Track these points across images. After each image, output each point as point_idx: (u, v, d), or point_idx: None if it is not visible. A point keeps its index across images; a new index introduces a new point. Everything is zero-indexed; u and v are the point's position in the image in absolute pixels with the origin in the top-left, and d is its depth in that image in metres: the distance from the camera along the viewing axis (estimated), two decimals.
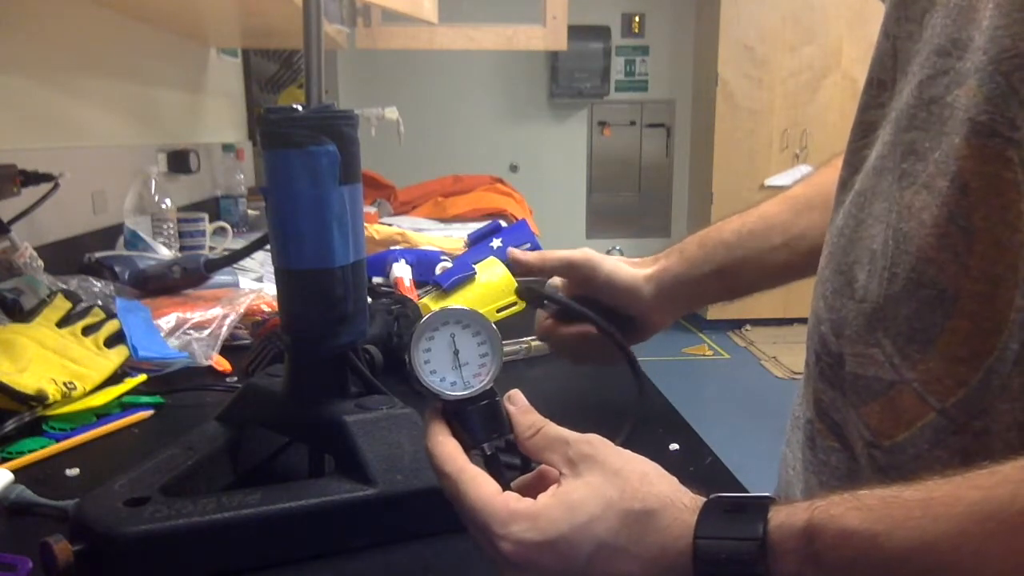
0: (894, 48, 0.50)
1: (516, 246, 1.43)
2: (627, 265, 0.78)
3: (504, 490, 0.43)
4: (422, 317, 0.50)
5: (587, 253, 0.78)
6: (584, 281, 0.77)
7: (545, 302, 0.77)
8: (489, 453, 0.46)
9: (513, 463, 0.47)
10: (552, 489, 0.42)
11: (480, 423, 0.46)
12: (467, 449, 0.45)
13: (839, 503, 0.36)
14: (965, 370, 0.43)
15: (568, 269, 0.78)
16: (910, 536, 0.33)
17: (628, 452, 0.43)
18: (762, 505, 0.38)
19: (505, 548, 0.40)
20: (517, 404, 0.46)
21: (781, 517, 0.37)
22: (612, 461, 0.42)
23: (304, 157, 0.55)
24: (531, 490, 0.43)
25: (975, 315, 0.42)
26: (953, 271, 0.43)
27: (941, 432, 0.44)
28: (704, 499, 0.40)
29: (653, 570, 0.39)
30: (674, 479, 0.42)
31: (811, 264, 0.71)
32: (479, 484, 0.42)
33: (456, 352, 0.47)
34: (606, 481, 0.41)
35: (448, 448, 0.45)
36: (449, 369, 0.47)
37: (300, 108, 0.57)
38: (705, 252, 0.75)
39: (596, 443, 0.43)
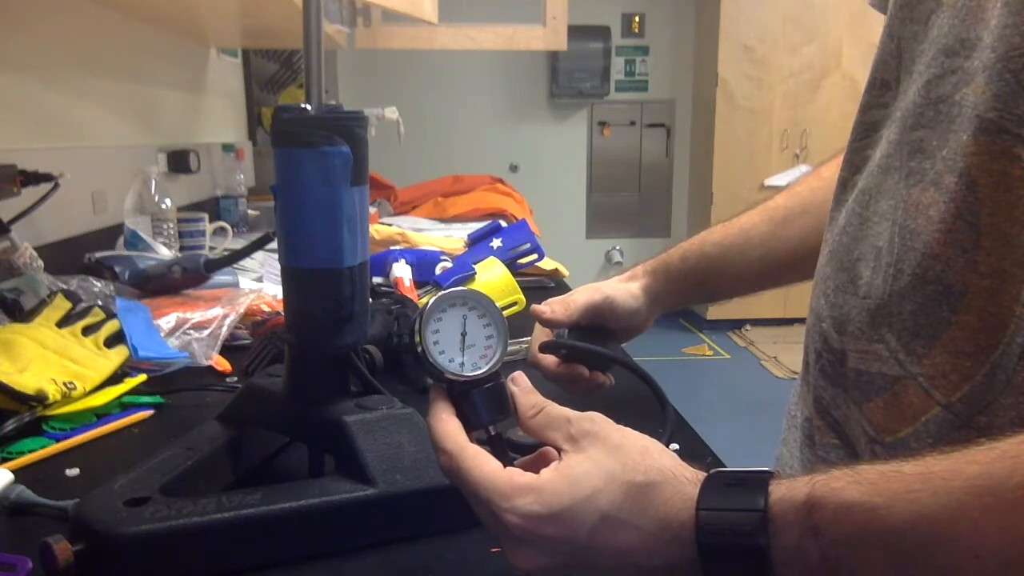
0: (898, 49, 0.50)
1: (516, 246, 1.43)
2: (624, 287, 0.82)
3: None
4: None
5: (603, 292, 0.81)
6: (602, 319, 0.81)
7: (563, 352, 0.79)
8: (493, 434, 0.46)
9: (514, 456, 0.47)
10: (554, 464, 0.42)
11: (485, 405, 0.46)
12: (471, 430, 0.46)
13: (839, 477, 0.36)
14: (971, 365, 0.43)
15: (593, 315, 0.80)
16: (909, 509, 0.33)
17: (628, 429, 0.43)
18: (762, 479, 0.38)
19: (510, 520, 0.40)
20: (520, 385, 0.47)
21: (782, 491, 0.37)
22: (613, 436, 0.42)
23: (318, 157, 0.55)
24: (532, 469, 0.43)
25: (981, 310, 0.42)
26: (960, 267, 0.43)
27: (945, 427, 0.44)
28: (705, 473, 0.40)
29: (655, 542, 0.39)
30: (675, 455, 0.42)
31: (784, 274, 0.78)
32: (481, 461, 0.43)
33: (464, 334, 0.47)
34: (608, 455, 0.41)
35: (450, 426, 0.45)
36: (457, 350, 0.47)
37: (309, 108, 0.57)
38: (687, 266, 0.82)
39: (598, 420, 0.43)
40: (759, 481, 0.38)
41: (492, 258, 1.29)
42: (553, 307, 0.80)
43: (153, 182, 1.57)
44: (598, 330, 0.81)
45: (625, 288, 0.82)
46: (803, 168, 4.46)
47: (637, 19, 4.92)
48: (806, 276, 0.77)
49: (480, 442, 0.45)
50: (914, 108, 0.47)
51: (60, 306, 0.90)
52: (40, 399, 0.74)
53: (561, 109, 5.03)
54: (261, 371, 0.76)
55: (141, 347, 0.90)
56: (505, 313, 1.04)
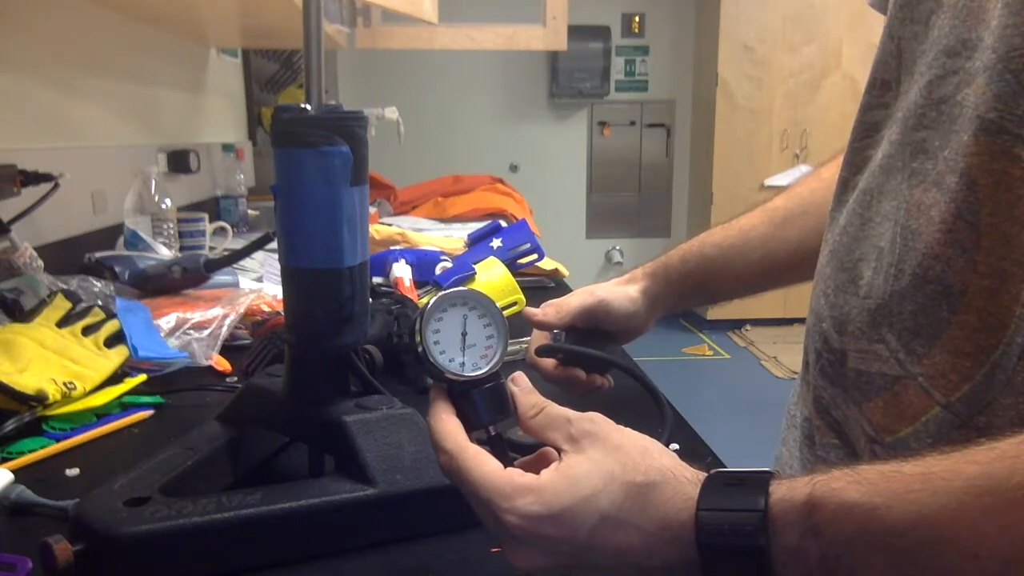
0: (899, 49, 0.50)
1: (516, 246, 1.43)
2: (620, 289, 0.83)
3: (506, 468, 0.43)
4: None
5: (597, 295, 0.81)
6: (597, 322, 0.81)
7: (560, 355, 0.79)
8: (493, 434, 0.46)
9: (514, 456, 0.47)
10: (554, 465, 0.42)
11: (485, 405, 0.46)
12: (471, 430, 0.46)
13: (839, 477, 0.36)
14: (970, 365, 0.43)
15: (587, 317, 0.81)
16: (909, 509, 0.34)
17: (628, 429, 0.43)
18: (763, 479, 0.38)
19: (510, 521, 0.40)
20: (520, 385, 0.47)
21: (782, 491, 0.37)
22: (613, 437, 0.42)
23: (318, 157, 0.55)
24: (532, 469, 0.43)
25: (981, 310, 0.42)
26: (960, 267, 0.43)
27: (945, 427, 0.44)
28: (705, 474, 0.40)
29: (655, 542, 0.39)
30: (675, 455, 0.42)
31: (784, 275, 0.79)
32: (481, 461, 0.43)
33: (464, 334, 0.47)
34: (608, 455, 0.41)
35: (450, 426, 0.45)
36: (457, 350, 0.47)
37: (309, 108, 0.57)
38: (687, 268, 0.82)
39: (598, 420, 0.43)
40: (759, 481, 0.38)
41: (492, 258, 1.29)
42: (545, 310, 0.81)
43: (153, 182, 1.57)
44: (596, 332, 0.81)
45: (622, 291, 0.82)
46: (803, 168, 4.46)
47: (637, 19, 4.92)
48: (806, 277, 0.78)
49: (480, 442, 0.45)
50: (916, 109, 0.47)
51: (60, 306, 0.90)
52: (40, 399, 0.74)
53: (561, 109, 5.03)
54: (261, 371, 0.76)
55: (141, 347, 0.90)
56: (505, 313, 1.04)
